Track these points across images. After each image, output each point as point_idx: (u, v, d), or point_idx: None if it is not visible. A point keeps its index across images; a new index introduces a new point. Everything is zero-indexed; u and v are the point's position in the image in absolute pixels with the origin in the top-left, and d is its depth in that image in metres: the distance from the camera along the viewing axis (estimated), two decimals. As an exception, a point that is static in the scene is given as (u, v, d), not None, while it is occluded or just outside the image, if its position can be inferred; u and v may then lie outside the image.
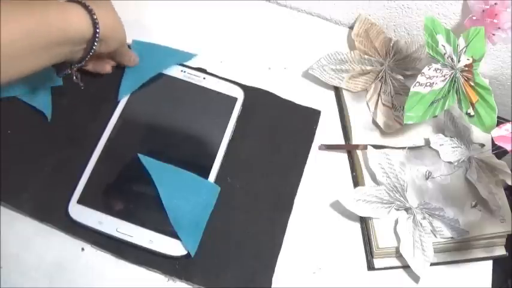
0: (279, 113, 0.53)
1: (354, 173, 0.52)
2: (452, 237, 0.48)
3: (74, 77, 0.47)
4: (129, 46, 0.53)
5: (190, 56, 0.54)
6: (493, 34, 0.51)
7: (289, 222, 0.48)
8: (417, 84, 0.46)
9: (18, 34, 0.37)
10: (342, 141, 0.54)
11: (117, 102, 0.50)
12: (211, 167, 0.48)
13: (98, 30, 0.42)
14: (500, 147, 0.42)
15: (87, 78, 0.51)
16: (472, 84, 0.47)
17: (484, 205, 0.50)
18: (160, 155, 0.47)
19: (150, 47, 0.53)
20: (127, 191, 0.47)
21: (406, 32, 0.60)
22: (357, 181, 0.52)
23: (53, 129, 0.49)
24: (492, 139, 0.42)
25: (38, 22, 0.38)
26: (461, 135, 0.53)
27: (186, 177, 0.47)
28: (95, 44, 0.43)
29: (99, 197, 0.46)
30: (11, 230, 0.45)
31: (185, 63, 0.54)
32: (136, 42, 0.53)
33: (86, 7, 0.42)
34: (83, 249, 0.45)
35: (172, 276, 0.45)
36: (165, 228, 0.45)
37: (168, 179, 0.46)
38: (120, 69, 0.52)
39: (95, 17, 0.42)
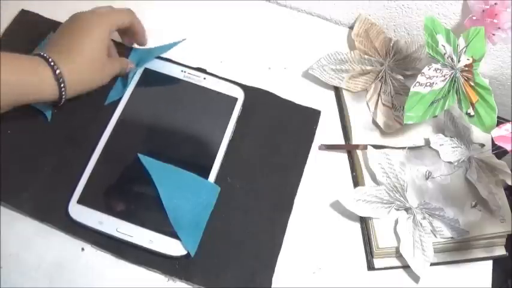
0: (279, 113, 0.53)
1: (354, 173, 0.52)
2: (452, 237, 0.48)
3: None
4: (129, 51, 0.53)
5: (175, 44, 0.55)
6: (493, 34, 0.51)
7: (289, 222, 0.48)
8: (417, 84, 0.46)
9: None
10: (342, 141, 0.54)
11: (117, 102, 0.50)
12: (211, 167, 0.48)
13: (63, 92, 0.43)
14: (500, 147, 0.42)
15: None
16: (472, 84, 0.47)
17: (484, 205, 0.50)
18: (160, 155, 0.47)
19: (148, 52, 0.53)
20: (127, 191, 0.47)
21: (406, 32, 0.60)
22: (357, 181, 0.52)
23: (53, 129, 0.49)
24: (492, 139, 0.42)
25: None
26: (461, 135, 0.53)
27: (186, 177, 0.47)
28: (62, 100, 0.44)
29: (99, 197, 0.46)
30: (11, 230, 0.45)
31: (185, 64, 0.54)
32: (135, 50, 0.54)
33: (49, 64, 0.42)
34: (83, 249, 0.45)
35: (172, 276, 0.45)
36: (165, 228, 0.45)
37: (168, 179, 0.46)
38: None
39: (60, 78, 0.42)
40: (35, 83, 0.42)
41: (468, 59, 0.47)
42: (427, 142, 0.53)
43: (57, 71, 0.42)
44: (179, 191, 0.46)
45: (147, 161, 0.47)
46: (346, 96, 0.55)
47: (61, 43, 0.45)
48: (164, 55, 0.54)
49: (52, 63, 0.42)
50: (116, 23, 0.48)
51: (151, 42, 0.55)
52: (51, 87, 0.43)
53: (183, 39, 0.56)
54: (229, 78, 0.54)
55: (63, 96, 0.44)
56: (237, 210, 0.48)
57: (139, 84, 0.51)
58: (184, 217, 0.45)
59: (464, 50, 0.47)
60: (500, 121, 0.45)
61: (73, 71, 0.44)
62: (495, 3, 0.49)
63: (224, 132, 0.50)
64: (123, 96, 0.51)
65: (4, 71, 0.39)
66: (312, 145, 0.52)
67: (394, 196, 0.49)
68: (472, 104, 0.48)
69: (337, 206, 0.49)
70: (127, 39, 0.54)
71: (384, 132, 0.53)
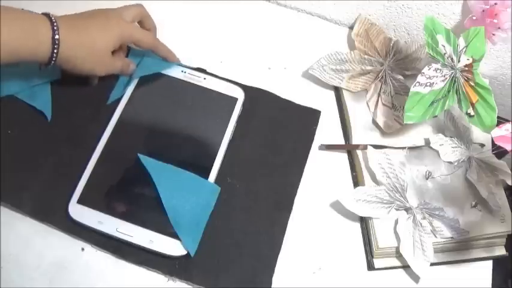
0: (279, 113, 0.53)
1: (354, 173, 0.52)
2: (452, 237, 0.48)
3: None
4: (128, 50, 0.53)
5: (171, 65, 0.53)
6: (493, 34, 0.51)
7: (289, 222, 0.48)
8: (417, 84, 0.46)
9: None
10: (342, 141, 0.54)
11: (118, 102, 0.50)
12: (211, 167, 0.48)
13: (55, 52, 0.42)
14: (500, 147, 0.42)
15: (87, 79, 0.51)
16: (472, 84, 0.47)
17: (484, 205, 0.50)
18: (160, 155, 0.47)
19: (145, 54, 0.53)
20: (127, 191, 0.47)
21: (406, 32, 0.60)
22: (357, 181, 0.52)
23: (53, 129, 0.49)
24: (492, 139, 0.42)
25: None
26: (461, 135, 0.53)
27: (186, 177, 0.47)
28: (52, 62, 0.43)
29: (99, 197, 0.46)
30: (11, 230, 0.45)
31: (185, 64, 0.54)
32: (133, 51, 0.53)
33: (52, 25, 0.42)
34: (83, 249, 0.45)
35: (172, 276, 0.45)
36: (165, 228, 0.45)
37: (168, 179, 0.46)
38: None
39: (56, 51, 0.42)
40: (31, 43, 0.41)
41: (468, 59, 0.47)
42: (427, 142, 0.53)
43: (56, 35, 0.42)
44: (179, 191, 0.46)
45: (147, 161, 0.47)
46: (346, 96, 0.55)
47: (76, 18, 0.46)
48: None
49: (55, 26, 0.42)
50: (135, 39, 0.49)
51: (151, 42, 0.55)
52: (46, 47, 0.42)
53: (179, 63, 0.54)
54: (229, 78, 0.54)
55: (54, 59, 0.43)
56: (237, 210, 0.48)
57: (139, 84, 0.51)
58: (184, 217, 0.45)
59: (464, 50, 0.47)
60: (500, 121, 0.45)
61: (71, 44, 0.43)
62: (495, 3, 0.49)
63: (224, 132, 0.50)
64: (123, 96, 0.51)
65: (3, 26, 0.39)
66: (312, 145, 0.53)
67: (394, 196, 0.48)
68: (472, 104, 0.48)
69: (337, 206, 0.49)
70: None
71: (384, 132, 0.53)
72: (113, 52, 0.48)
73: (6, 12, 0.40)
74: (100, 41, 0.45)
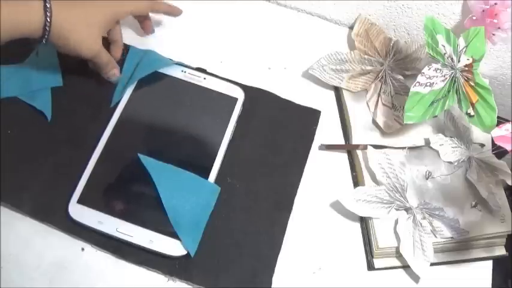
0: (279, 113, 0.53)
1: (354, 173, 0.52)
2: (452, 237, 0.48)
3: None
4: (127, 50, 0.53)
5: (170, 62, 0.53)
6: (493, 34, 0.51)
7: (289, 222, 0.48)
8: (417, 84, 0.46)
9: None
10: (342, 141, 0.54)
11: (118, 102, 0.50)
12: (211, 167, 0.48)
13: (47, 31, 0.42)
14: (500, 147, 0.42)
15: (87, 79, 0.51)
16: (472, 84, 0.47)
17: (484, 205, 0.50)
18: (160, 155, 0.47)
19: (145, 54, 0.53)
20: (127, 191, 0.47)
21: (406, 32, 0.60)
22: (357, 181, 0.52)
23: (53, 129, 0.49)
24: (492, 139, 0.42)
25: None
26: (461, 135, 0.53)
27: (186, 177, 0.47)
28: (44, 40, 0.43)
29: (99, 197, 0.46)
30: (11, 230, 0.45)
31: (185, 64, 0.54)
32: (132, 48, 0.53)
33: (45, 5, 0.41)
34: (83, 249, 0.45)
35: (172, 276, 0.45)
36: (165, 228, 0.45)
37: (168, 179, 0.46)
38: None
39: (48, 19, 0.41)
40: (23, 18, 0.41)
41: (468, 59, 0.47)
42: (427, 142, 0.53)
43: (48, 12, 0.42)
44: (179, 191, 0.46)
45: (147, 161, 0.47)
46: (346, 96, 0.55)
47: None
48: (164, 55, 0.54)
49: (47, 2, 0.42)
50: (130, 11, 0.49)
51: (151, 42, 0.55)
52: (37, 21, 0.42)
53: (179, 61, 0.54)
54: (229, 78, 0.54)
55: (46, 34, 0.43)
56: (237, 210, 0.48)
57: (139, 84, 0.51)
58: (184, 217, 0.45)
59: (464, 50, 0.47)
60: (500, 121, 0.45)
61: (65, 17, 0.43)
62: (495, 3, 0.49)
63: (224, 132, 0.50)
64: (123, 96, 0.51)
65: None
66: (312, 145, 0.52)
67: (394, 196, 0.48)
68: (472, 104, 0.48)
69: (337, 206, 0.49)
70: (148, 24, 0.55)
71: (384, 132, 0.53)
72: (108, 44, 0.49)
73: None
74: (94, 15, 0.45)
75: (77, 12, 0.44)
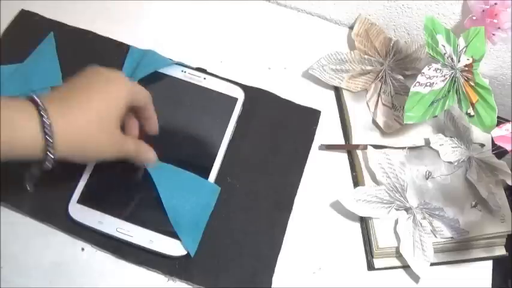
0: (279, 113, 0.53)
1: (354, 173, 0.52)
2: (452, 237, 0.48)
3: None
4: (127, 50, 0.53)
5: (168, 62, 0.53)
6: (493, 34, 0.51)
7: (289, 222, 0.48)
8: (417, 84, 0.46)
9: None
10: (342, 141, 0.54)
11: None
12: (211, 167, 0.48)
13: (50, 149, 0.33)
14: (500, 147, 0.42)
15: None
16: (472, 84, 0.47)
17: (484, 205, 0.50)
18: (160, 155, 0.47)
19: (145, 54, 0.53)
20: (127, 191, 0.47)
21: (406, 32, 0.60)
22: (357, 181, 0.52)
23: (53, 129, 0.49)
24: (492, 139, 0.42)
25: None
26: (461, 135, 0.53)
27: (186, 177, 0.47)
28: (47, 160, 0.34)
29: (99, 197, 0.46)
30: (11, 230, 0.45)
31: (185, 64, 0.54)
32: (132, 48, 0.53)
33: (38, 110, 0.32)
34: (83, 249, 0.45)
35: (172, 276, 0.45)
36: (165, 228, 0.45)
37: (168, 179, 0.46)
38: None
39: (48, 129, 0.32)
40: (17, 137, 0.33)
41: (468, 59, 0.47)
42: (427, 142, 0.53)
43: (46, 120, 0.33)
44: (179, 191, 0.46)
45: (147, 161, 0.47)
46: (346, 96, 0.55)
47: (67, 89, 0.37)
48: (164, 55, 0.54)
49: (41, 111, 0.33)
50: (136, 96, 0.41)
51: (151, 42, 0.55)
52: (34, 140, 0.33)
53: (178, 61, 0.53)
54: (229, 78, 0.54)
55: (51, 155, 0.34)
56: (237, 210, 0.48)
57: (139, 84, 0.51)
58: (184, 217, 0.45)
59: (464, 50, 0.47)
60: (500, 121, 0.45)
61: (70, 123, 0.34)
62: (495, 3, 0.49)
63: (224, 132, 0.50)
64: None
65: None
66: (312, 145, 0.52)
67: (394, 196, 0.48)
68: (472, 104, 0.48)
69: (337, 206, 0.49)
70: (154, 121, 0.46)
71: (384, 132, 0.53)
72: (123, 130, 0.41)
73: None
74: (103, 106, 0.37)
75: (83, 113, 0.35)
